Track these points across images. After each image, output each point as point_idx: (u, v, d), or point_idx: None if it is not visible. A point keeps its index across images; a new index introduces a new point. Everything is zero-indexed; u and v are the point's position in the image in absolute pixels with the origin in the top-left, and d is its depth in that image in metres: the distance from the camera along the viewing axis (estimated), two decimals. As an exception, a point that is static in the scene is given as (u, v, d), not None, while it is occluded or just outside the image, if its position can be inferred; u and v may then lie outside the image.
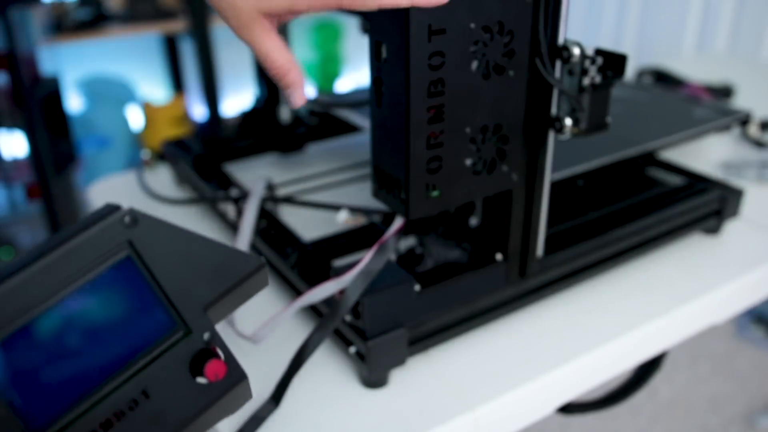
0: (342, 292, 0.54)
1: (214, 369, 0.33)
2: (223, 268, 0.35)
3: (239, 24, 0.40)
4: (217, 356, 0.33)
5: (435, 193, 0.53)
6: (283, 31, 0.88)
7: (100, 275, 0.31)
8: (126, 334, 0.32)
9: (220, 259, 0.35)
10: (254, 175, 0.89)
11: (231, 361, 0.34)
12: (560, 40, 0.53)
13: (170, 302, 0.33)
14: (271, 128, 0.94)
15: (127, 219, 0.32)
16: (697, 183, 0.79)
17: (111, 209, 0.32)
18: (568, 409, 0.67)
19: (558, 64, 0.54)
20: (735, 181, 0.82)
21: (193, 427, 0.34)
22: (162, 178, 0.94)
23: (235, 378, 0.34)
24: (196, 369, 0.33)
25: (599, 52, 0.53)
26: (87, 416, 0.30)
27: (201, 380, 0.33)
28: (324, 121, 0.97)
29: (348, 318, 0.55)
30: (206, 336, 0.34)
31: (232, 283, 0.35)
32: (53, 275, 0.29)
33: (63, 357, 0.30)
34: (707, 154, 0.99)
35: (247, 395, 0.36)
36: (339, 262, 0.58)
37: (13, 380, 0.29)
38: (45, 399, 0.29)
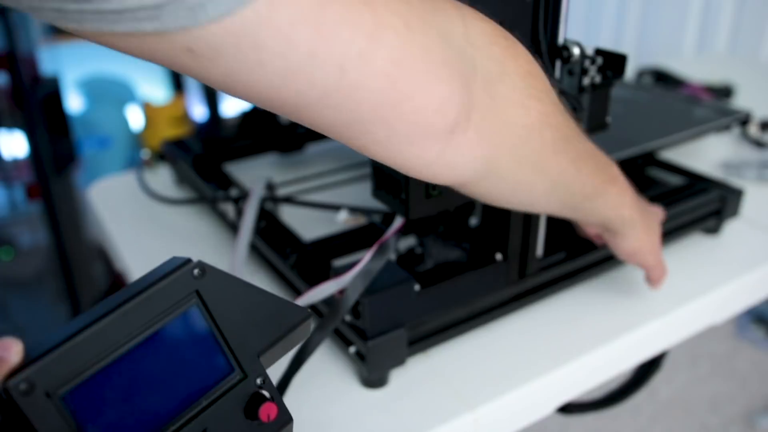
0: (342, 292, 0.54)
1: (267, 411, 0.36)
2: (276, 317, 0.37)
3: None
4: (269, 399, 0.36)
5: (435, 193, 0.53)
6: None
7: (170, 322, 0.34)
8: (189, 377, 0.34)
9: (273, 309, 0.37)
10: (254, 175, 0.89)
11: (280, 404, 0.37)
12: (560, 40, 0.53)
13: (230, 348, 0.36)
14: (271, 128, 0.94)
15: (196, 271, 0.34)
16: (697, 183, 0.79)
17: (181, 262, 0.34)
18: (568, 409, 0.67)
19: (558, 64, 0.54)
20: (735, 181, 0.82)
21: None
22: (162, 178, 0.94)
23: (284, 419, 0.37)
24: (251, 411, 0.36)
25: (599, 52, 0.53)
26: None
27: (254, 422, 0.36)
28: (324, 121, 0.97)
29: (348, 318, 0.55)
30: (259, 380, 0.37)
31: (283, 332, 0.38)
32: (129, 323, 0.32)
33: (131, 401, 0.32)
34: (707, 154, 0.99)
35: None
36: (339, 262, 0.58)
37: (88, 421, 0.31)
38: None
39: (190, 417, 0.34)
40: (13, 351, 0.30)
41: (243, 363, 0.36)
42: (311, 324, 0.39)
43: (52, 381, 0.30)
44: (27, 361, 0.30)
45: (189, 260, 0.34)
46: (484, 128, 0.39)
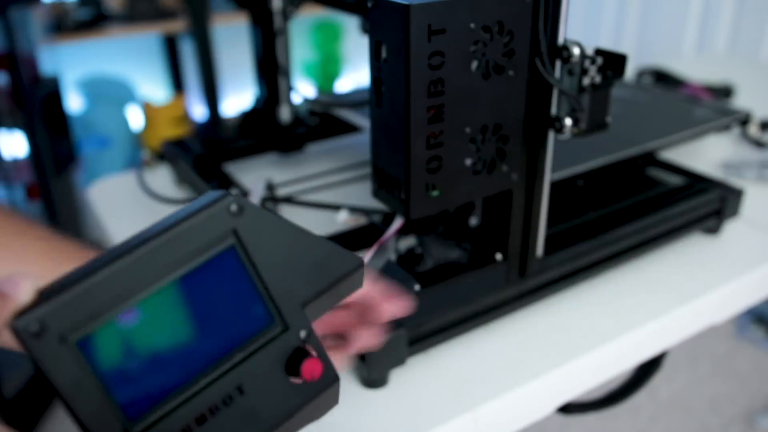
0: (342, 292, 0.54)
1: (310, 368, 0.32)
2: (324, 264, 0.33)
3: None
4: (313, 355, 0.32)
5: (435, 193, 0.53)
6: (283, 31, 0.88)
7: (202, 264, 0.30)
8: (224, 326, 0.31)
9: (322, 256, 0.33)
10: (254, 175, 0.89)
11: (326, 362, 0.33)
12: (560, 40, 0.53)
13: (270, 296, 0.32)
14: (271, 128, 0.94)
15: (233, 207, 0.30)
16: (697, 183, 0.79)
17: (218, 196, 0.31)
18: (568, 409, 0.67)
19: (558, 64, 0.54)
20: (735, 181, 0.82)
21: (283, 428, 0.32)
22: (162, 178, 0.94)
23: (330, 379, 0.33)
24: (292, 367, 0.32)
25: (599, 52, 0.53)
26: (182, 409, 0.29)
27: (295, 380, 0.32)
28: (324, 121, 0.97)
29: (348, 318, 0.55)
30: (303, 334, 0.33)
31: (331, 281, 0.34)
32: (157, 262, 0.28)
33: (161, 347, 0.29)
34: (707, 154, 0.99)
35: (335, 400, 0.35)
36: (339, 262, 0.58)
37: (108, 371, 0.28)
38: (142, 390, 0.28)
39: (223, 372, 0.31)
40: (22, 288, 0.27)
41: (285, 313, 0.32)
42: (363, 273, 0.35)
43: (66, 324, 0.26)
44: (40, 299, 0.26)
45: (227, 194, 0.31)
46: None
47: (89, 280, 0.27)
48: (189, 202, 0.31)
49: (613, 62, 0.53)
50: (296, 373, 0.32)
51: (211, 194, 0.31)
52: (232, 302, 0.31)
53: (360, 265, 0.35)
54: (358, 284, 0.36)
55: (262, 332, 0.32)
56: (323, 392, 0.33)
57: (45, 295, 0.27)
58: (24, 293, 0.27)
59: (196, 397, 0.29)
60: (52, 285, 0.28)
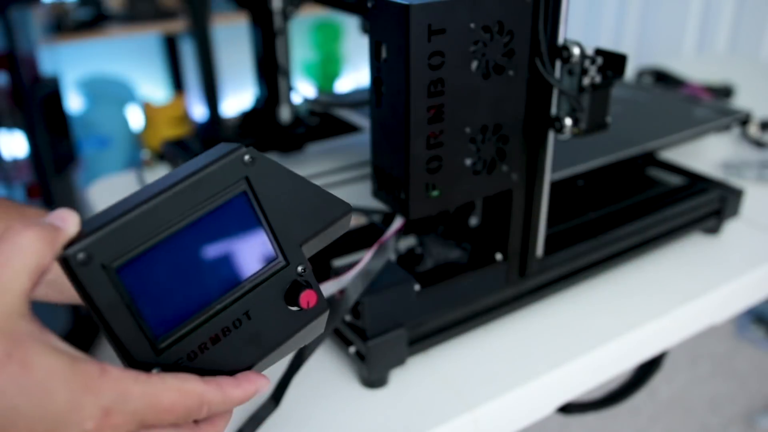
0: (342, 292, 0.54)
1: (306, 298, 0.37)
2: (319, 209, 0.38)
3: None
4: (309, 287, 0.37)
5: (435, 193, 0.53)
6: (283, 31, 0.88)
7: (219, 206, 0.35)
8: (235, 261, 0.35)
9: (318, 201, 0.38)
10: (254, 175, 0.89)
11: (318, 293, 0.38)
12: (560, 40, 0.53)
13: (274, 235, 0.36)
14: (271, 128, 0.94)
15: (247, 158, 0.35)
16: (697, 183, 0.79)
17: (233, 147, 0.35)
18: (568, 409, 0.67)
19: (558, 64, 0.54)
20: (735, 181, 0.82)
21: (281, 349, 0.37)
22: (162, 178, 0.94)
23: (321, 308, 0.38)
24: (291, 297, 0.37)
25: (599, 52, 0.53)
26: (200, 329, 0.34)
27: (293, 308, 0.37)
28: (324, 121, 0.97)
29: (348, 318, 0.55)
30: (300, 269, 0.37)
31: (325, 224, 0.38)
32: (182, 203, 0.33)
33: (180, 279, 0.34)
34: (707, 154, 0.99)
35: (322, 327, 0.40)
36: (339, 262, 0.58)
37: (140, 295, 0.32)
38: (167, 311, 0.33)
39: (235, 298, 0.35)
40: (71, 222, 0.31)
41: (286, 251, 0.37)
42: (350, 218, 0.40)
43: (108, 253, 0.31)
44: (84, 234, 0.31)
45: (240, 146, 0.35)
46: None
47: (126, 216, 0.31)
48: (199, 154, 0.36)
49: (613, 62, 0.53)
50: (295, 302, 0.37)
51: (225, 146, 0.35)
52: (243, 239, 0.36)
53: (348, 210, 0.40)
54: (345, 227, 0.40)
55: (267, 266, 0.36)
56: (315, 319, 0.38)
57: (87, 230, 0.31)
58: (72, 226, 0.31)
59: (212, 319, 0.35)
60: (92, 220, 0.32)
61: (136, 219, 0.32)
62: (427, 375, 0.58)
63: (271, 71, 0.91)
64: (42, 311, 0.36)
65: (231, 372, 0.35)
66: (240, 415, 0.52)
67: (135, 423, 0.31)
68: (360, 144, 0.99)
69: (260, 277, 0.36)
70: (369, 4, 0.49)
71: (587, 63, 0.53)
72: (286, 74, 0.91)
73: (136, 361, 0.32)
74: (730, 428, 1.58)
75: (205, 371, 0.34)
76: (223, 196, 0.34)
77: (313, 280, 0.38)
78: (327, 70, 3.01)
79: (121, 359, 0.32)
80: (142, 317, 0.32)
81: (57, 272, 0.33)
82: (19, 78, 1.59)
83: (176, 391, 0.32)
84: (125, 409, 0.30)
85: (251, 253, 0.36)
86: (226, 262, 0.35)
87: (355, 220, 0.72)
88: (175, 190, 0.33)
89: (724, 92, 1.22)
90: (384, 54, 0.49)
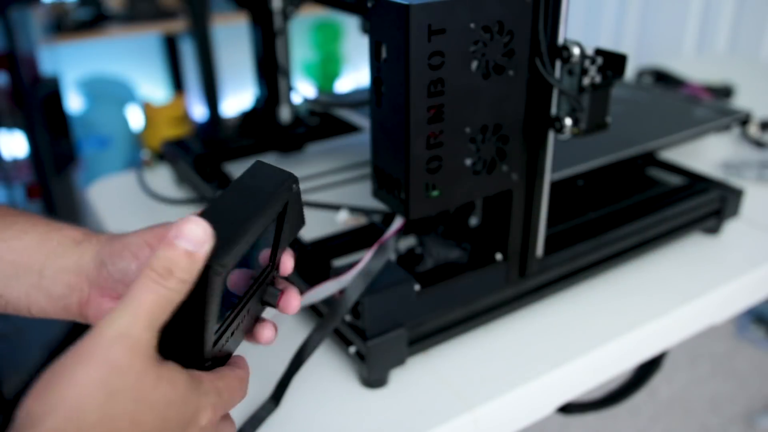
0: (342, 292, 0.54)
1: (285, 301, 0.43)
2: (298, 223, 0.44)
3: None
4: (283, 289, 0.43)
5: (435, 193, 0.53)
6: (283, 31, 0.88)
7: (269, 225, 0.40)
8: (255, 265, 0.42)
9: (300, 212, 0.44)
10: (254, 175, 0.89)
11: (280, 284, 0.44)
12: (560, 40, 0.53)
13: (278, 247, 0.42)
14: (271, 128, 0.94)
15: (294, 187, 0.41)
16: (697, 183, 0.79)
17: (288, 177, 0.41)
18: (568, 409, 0.67)
19: (558, 64, 0.54)
20: (735, 181, 0.82)
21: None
22: (162, 178, 0.94)
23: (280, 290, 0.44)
24: (268, 299, 0.43)
25: (599, 52, 0.53)
26: (228, 325, 0.39)
27: (272, 289, 0.43)
28: (324, 121, 0.97)
29: (348, 318, 0.55)
30: (275, 273, 0.44)
31: (294, 236, 0.44)
32: (262, 223, 0.38)
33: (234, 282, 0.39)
34: (707, 154, 0.99)
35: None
36: (339, 262, 0.58)
37: (228, 296, 0.38)
38: (222, 309, 0.38)
39: (249, 296, 0.41)
40: (205, 247, 0.34)
41: (277, 258, 0.43)
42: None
43: (229, 264, 0.35)
44: (219, 248, 0.34)
45: (292, 175, 0.41)
46: None
47: (245, 235, 0.36)
48: (246, 173, 0.42)
49: (613, 62, 0.53)
50: (273, 304, 0.43)
51: (280, 173, 0.41)
52: (265, 249, 0.41)
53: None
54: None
55: (267, 272, 0.42)
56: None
57: (221, 241, 0.35)
58: (205, 249, 0.34)
59: (238, 316, 0.40)
60: (218, 233, 0.35)
61: (248, 236, 0.36)
62: (427, 375, 0.58)
63: (271, 71, 0.91)
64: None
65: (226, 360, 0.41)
66: (240, 415, 0.52)
67: (224, 409, 0.38)
68: (360, 144, 0.99)
69: (261, 280, 0.42)
70: (369, 4, 0.49)
71: (587, 63, 0.53)
72: (286, 74, 0.91)
73: (203, 357, 0.36)
74: (730, 428, 1.58)
75: (220, 360, 0.40)
76: (272, 217, 0.40)
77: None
78: (327, 70, 3.01)
79: (185, 357, 0.36)
80: (222, 318, 0.37)
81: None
82: (19, 78, 1.59)
83: (235, 378, 0.39)
84: (220, 401, 0.37)
85: (263, 258, 0.42)
86: (252, 266, 0.41)
87: (355, 220, 0.73)
88: (262, 213, 0.38)
89: (724, 92, 1.22)
90: (384, 54, 0.49)
